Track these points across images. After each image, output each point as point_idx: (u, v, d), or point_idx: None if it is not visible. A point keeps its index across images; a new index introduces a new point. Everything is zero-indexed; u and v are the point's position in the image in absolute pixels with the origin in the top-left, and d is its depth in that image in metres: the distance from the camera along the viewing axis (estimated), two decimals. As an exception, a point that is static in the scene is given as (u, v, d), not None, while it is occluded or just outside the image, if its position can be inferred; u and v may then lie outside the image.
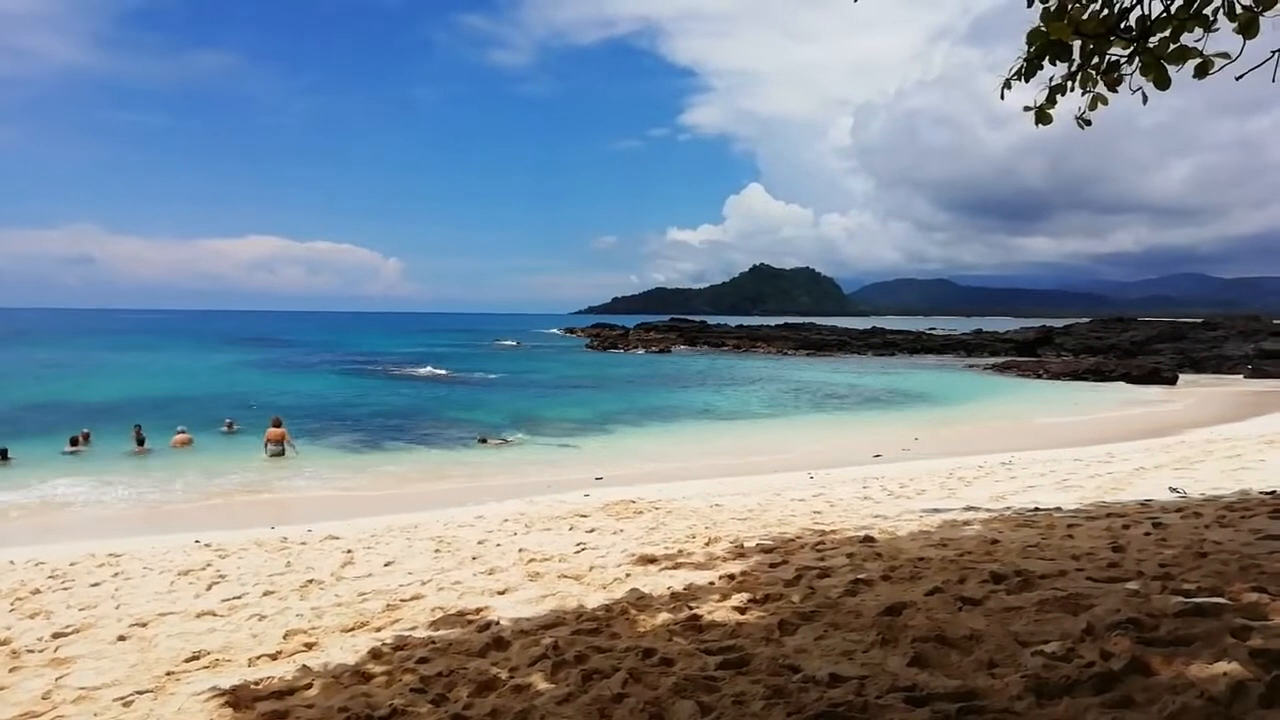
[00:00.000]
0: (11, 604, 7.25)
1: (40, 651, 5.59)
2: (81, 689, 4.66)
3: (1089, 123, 5.46)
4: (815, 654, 4.21)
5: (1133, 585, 4.86)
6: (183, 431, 20.82)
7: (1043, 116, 5.34)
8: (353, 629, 5.70)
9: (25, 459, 18.28)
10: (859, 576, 5.88)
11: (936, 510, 9.68)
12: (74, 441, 19.57)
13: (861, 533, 8.02)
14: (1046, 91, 5.38)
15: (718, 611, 5.26)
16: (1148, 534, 6.73)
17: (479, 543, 9.21)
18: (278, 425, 19.96)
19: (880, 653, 4.13)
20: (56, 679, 4.90)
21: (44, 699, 4.52)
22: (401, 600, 6.50)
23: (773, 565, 6.74)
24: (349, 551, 9.10)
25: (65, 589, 7.83)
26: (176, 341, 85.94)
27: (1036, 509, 9.03)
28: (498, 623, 5.51)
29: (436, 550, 8.89)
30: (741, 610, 5.26)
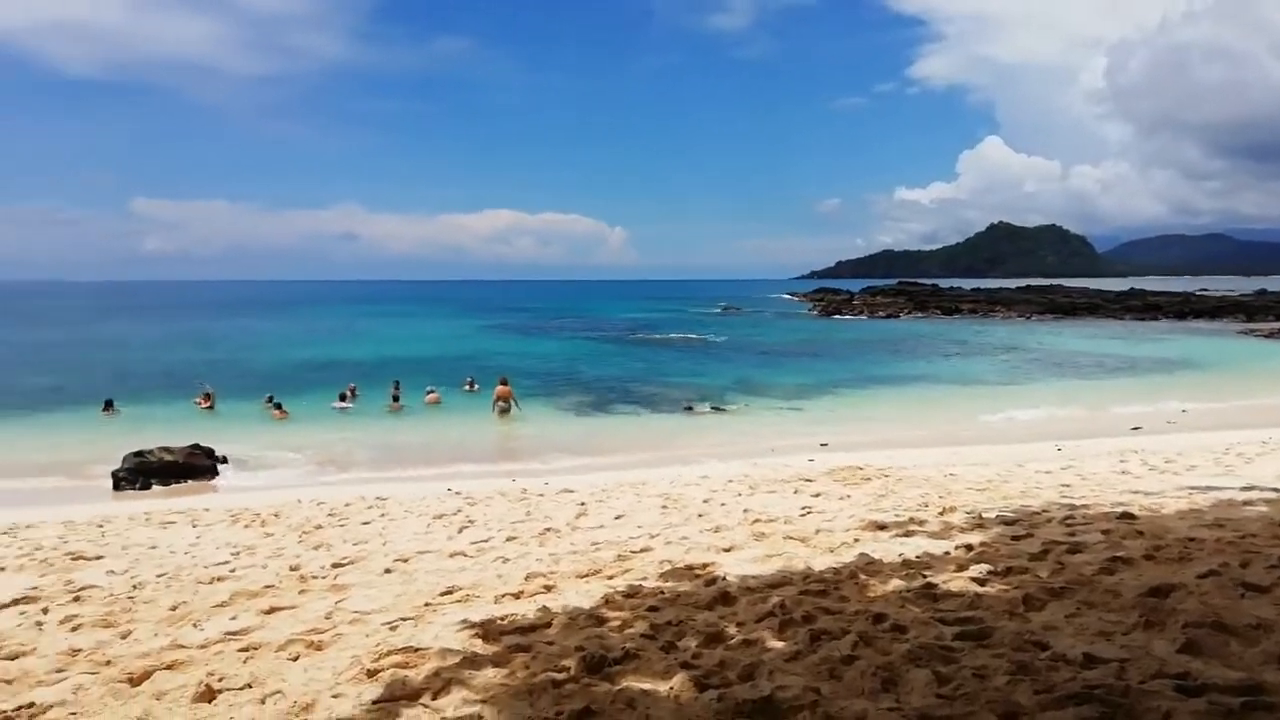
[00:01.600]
0: (300, 537, 8.25)
1: (323, 578, 6.32)
2: (356, 612, 5.23)
3: None
4: (1066, 632, 3.91)
5: None
6: (433, 390, 22.73)
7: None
8: (587, 575, 5.98)
9: (302, 413, 20.72)
10: (1117, 554, 5.39)
11: (1210, 488, 8.65)
12: (342, 397, 21.90)
13: (1119, 509, 7.33)
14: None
15: (954, 581, 5.02)
16: None
17: (704, 501, 9.35)
18: (504, 384, 21.20)
19: (1143, 636, 3.76)
20: (336, 602, 5.52)
21: (326, 618, 5.10)
22: (631, 551, 6.73)
23: (1015, 538, 6.33)
24: (582, 504, 9.55)
25: (341, 526, 8.81)
26: (426, 309, 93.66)
27: (1339, 491, 7.85)
28: (724, 578, 5.56)
29: (664, 507, 9.12)
30: (981, 582, 4.98)
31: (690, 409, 21.62)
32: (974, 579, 5.04)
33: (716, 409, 21.46)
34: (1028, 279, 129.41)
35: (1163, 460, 11.45)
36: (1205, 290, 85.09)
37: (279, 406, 20.42)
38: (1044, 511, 7.57)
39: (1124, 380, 28.12)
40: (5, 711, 3.70)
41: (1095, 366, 32.21)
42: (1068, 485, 9.52)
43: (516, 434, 18.08)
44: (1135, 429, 17.15)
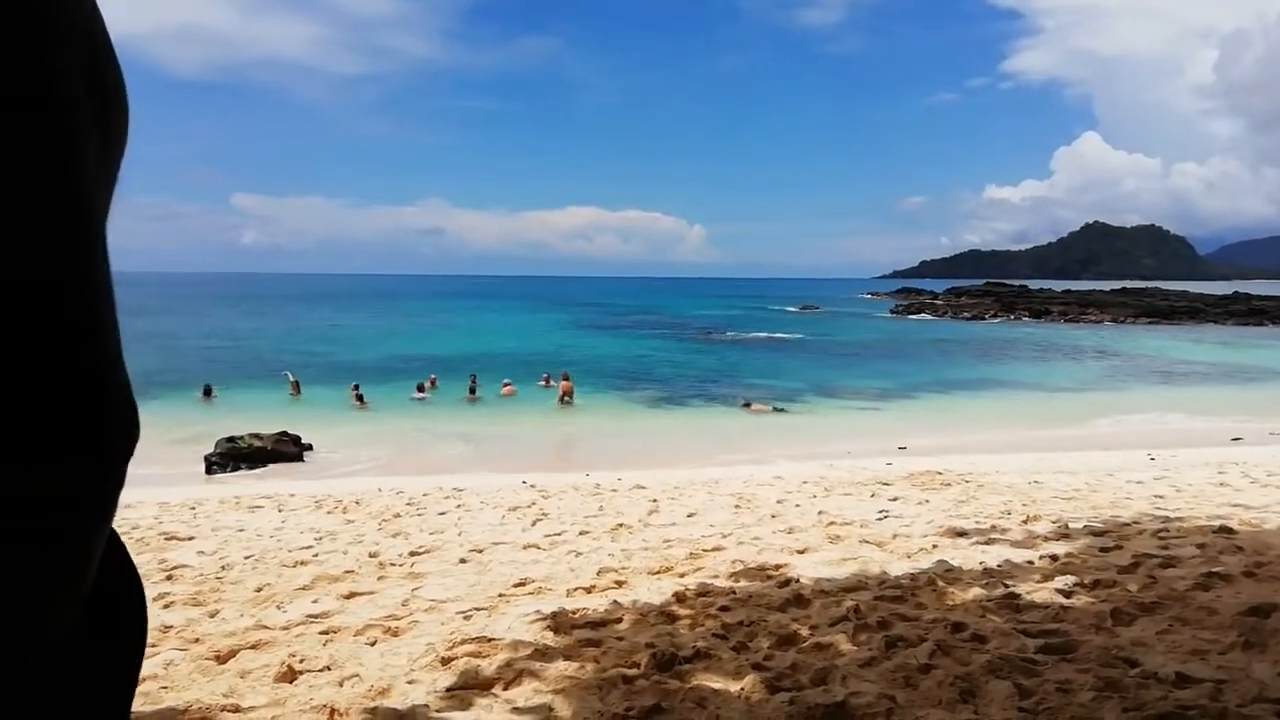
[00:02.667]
0: (379, 524, 8.47)
1: (400, 565, 6.47)
2: (432, 600, 5.33)
3: None
4: (1158, 649, 3.73)
5: None
6: (508, 384, 23.14)
7: None
8: (658, 572, 5.97)
9: (383, 402, 21.30)
10: (1214, 570, 5.12)
11: (1318, 504, 8.17)
12: (420, 388, 22.44)
13: (1216, 522, 6.98)
14: None
15: (1038, 592, 4.85)
16: None
17: (778, 502, 9.25)
18: (567, 379, 22.35)
19: (1242, 656, 3.56)
20: (413, 590, 5.63)
21: (403, 605, 5.22)
22: (703, 550, 6.70)
23: (1104, 550, 6.09)
24: (654, 501, 9.55)
25: (419, 515, 9.00)
26: (507, 304, 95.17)
27: None
28: (797, 580, 5.49)
29: (736, 506, 9.05)
30: (1066, 594, 4.80)
31: (748, 405, 21.34)
32: (1059, 590, 4.86)
33: (778, 409, 21.10)
34: (1124, 281, 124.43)
35: (1265, 473, 10.86)
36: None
37: (360, 396, 21.03)
38: (1135, 523, 7.26)
39: (1224, 388, 26.79)
40: (103, 681, 3.88)
41: (1193, 373, 30.77)
42: (1161, 496, 9.11)
43: (590, 429, 18.22)
44: (1236, 440, 16.33)
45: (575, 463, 14.54)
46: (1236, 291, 76.82)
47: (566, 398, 21.86)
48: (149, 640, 4.30)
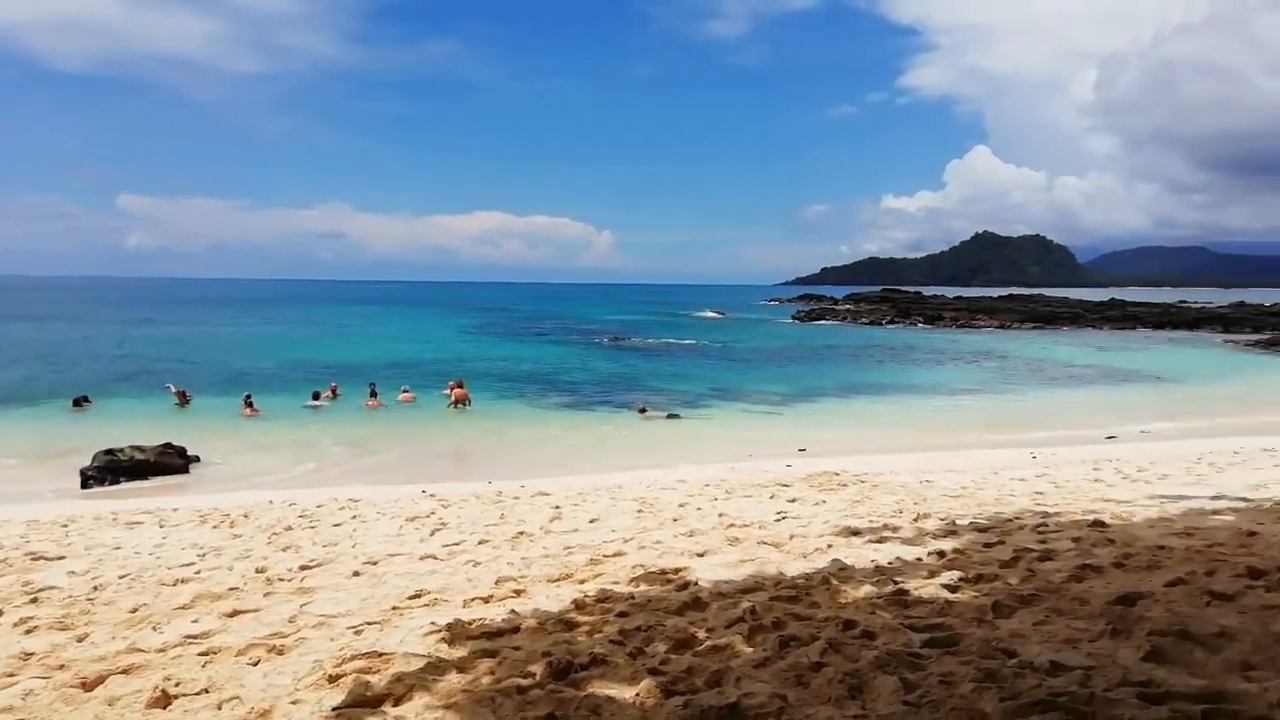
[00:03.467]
0: (269, 538, 8.14)
1: (289, 580, 6.23)
2: (321, 616, 5.14)
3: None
4: (1034, 639, 3.89)
5: None
6: (407, 390, 22.66)
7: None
8: (558, 580, 5.92)
9: (276, 412, 20.53)
10: (1087, 562, 5.39)
11: (1181, 497, 8.70)
12: (315, 396, 21.71)
13: (1090, 516, 7.36)
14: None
15: (925, 588, 5.00)
16: None
17: (680, 505, 9.31)
18: (460, 386, 22.47)
19: (1110, 644, 3.75)
20: (301, 606, 5.43)
21: (290, 622, 5.02)
22: (604, 556, 6.68)
23: (988, 545, 6.34)
24: (557, 507, 9.48)
25: (312, 527, 8.70)
26: (412, 310, 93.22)
27: (1308, 501, 7.91)
28: (696, 583, 5.52)
29: (639, 511, 9.07)
30: (952, 589, 4.97)
31: (644, 411, 21.33)
32: (945, 586, 5.03)
33: (672, 416, 21.14)
34: (1010, 288, 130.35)
35: (1135, 469, 11.53)
36: (1184, 301, 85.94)
37: (250, 404, 20.18)
38: (1017, 518, 7.59)
39: (1100, 389, 28.35)
40: (-50, 716, 3.61)
41: (1072, 375, 32.47)
42: (1041, 493, 9.56)
43: (490, 436, 17.97)
44: (1110, 437, 17.29)
45: (476, 471, 14.31)
46: (1113, 299, 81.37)
47: (459, 404, 21.94)
48: (7, 669, 4.03)
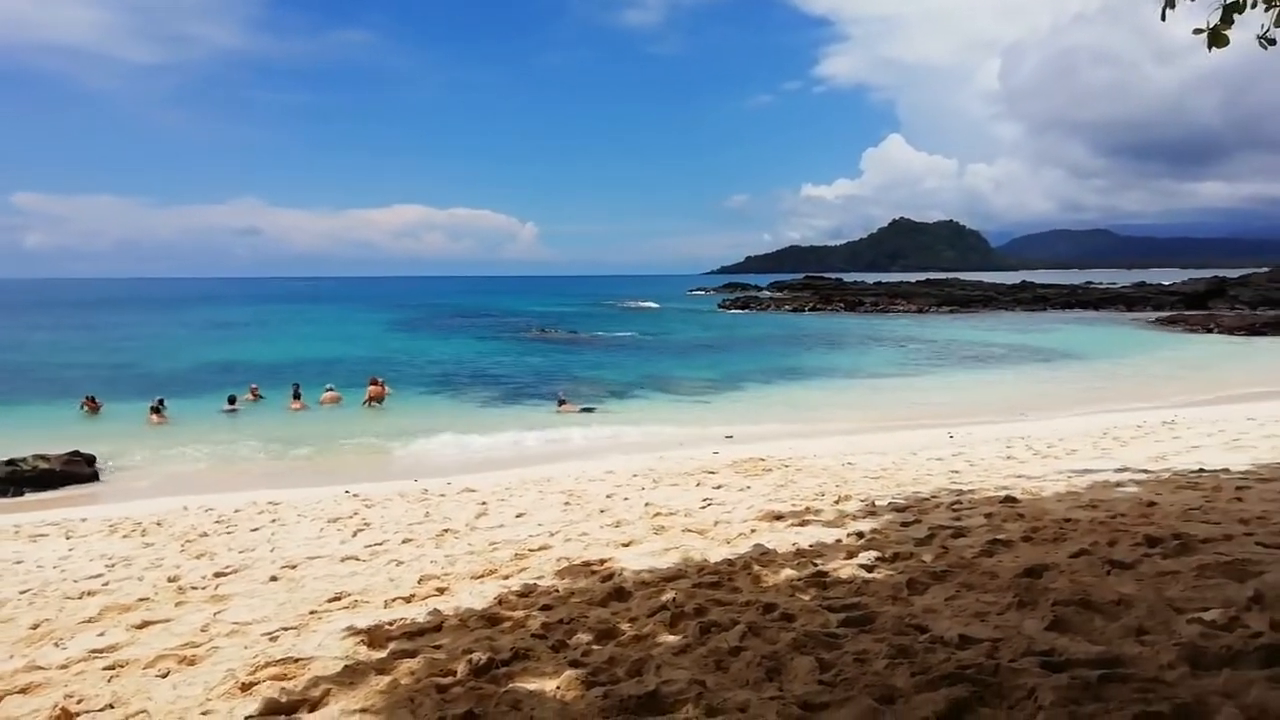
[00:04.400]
0: (182, 545, 7.88)
1: (203, 589, 6.04)
2: (235, 623, 5.00)
3: (1273, 42, 4.83)
4: (945, 614, 4.02)
5: (1312, 552, 4.39)
6: (331, 389, 22.13)
7: (1217, 39, 4.76)
8: (482, 576, 5.87)
9: (185, 415, 19.82)
10: (997, 537, 5.59)
11: (1087, 471, 9.08)
12: (231, 400, 20.98)
13: (1002, 493, 7.63)
14: (1221, 10, 4.79)
15: (844, 569, 5.11)
16: (1333, 498, 6.08)
17: (607, 496, 9.33)
18: (376, 383, 22.18)
19: (1016, 615, 3.89)
20: (215, 614, 5.27)
21: (202, 631, 4.87)
22: (530, 550, 6.65)
23: (905, 524, 6.51)
24: (484, 503, 9.40)
25: (229, 533, 8.45)
26: (333, 307, 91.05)
27: (1201, 470, 8.34)
28: (621, 574, 5.54)
29: (566, 503, 9.05)
30: (869, 568, 5.09)
31: (563, 404, 21.13)
32: (862, 565, 5.15)
33: (586, 409, 20.96)
34: (927, 273, 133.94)
35: (1045, 445, 11.98)
36: (1090, 283, 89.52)
37: (156, 411, 19.37)
38: (933, 497, 7.81)
39: (1013, 369, 29.35)
40: None
41: (986, 355, 33.56)
42: (957, 471, 9.86)
43: (416, 433, 17.68)
44: (1022, 415, 17.92)
45: (402, 470, 14.08)
46: (1024, 281, 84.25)
47: (375, 401, 21.68)
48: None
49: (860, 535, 6.17)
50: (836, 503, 7.89)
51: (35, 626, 5.20)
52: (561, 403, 21.08)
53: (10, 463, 13.55)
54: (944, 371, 29.04)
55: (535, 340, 45.41)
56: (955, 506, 7.13)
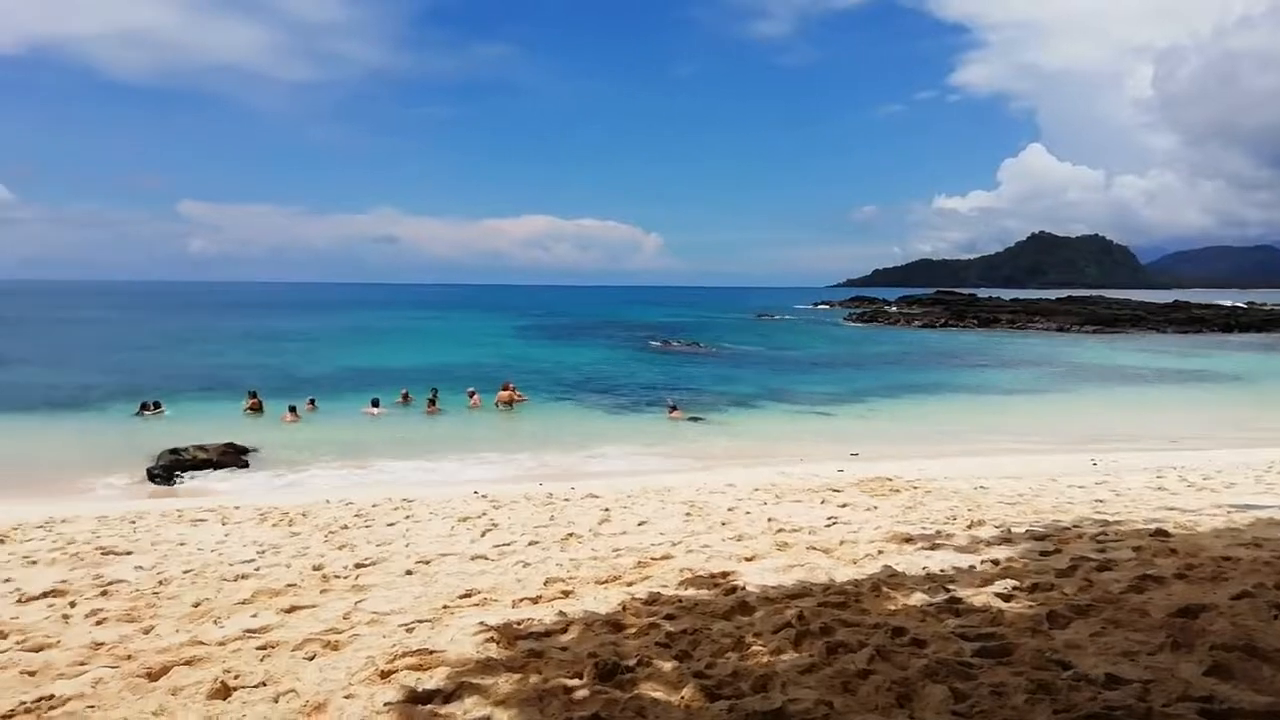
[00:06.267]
0: (325, 536, 8.32)
1: (344, 578, 6.36)
2: (374, 613, 5.25)
3: None
4: (1090, 651, 3.81)
5: None
6: (474, 392, 23.08)
7: None
8: (606, 582, 5.95)
9: (330, 415, 21.00)
10: (1147, 572, 5.25)
11: (1249, 506, 8.42)
12: (375, 403, 22.01)
13: (1153, 525, 7.16)
14: None
15: (978, 596, 4.92)
16: None
17: (729, 509, 9.29)
18: (507, 388, 23.31)
19: (1170, 657, 3.65)
20: (355, 603, 5.55)
21: (344, 618, 5.14)
22: (652, 559, 6.69)
23: (1044, 554, 6.21)
24: (606, 510, 9.53)
25: (367, 527, 8.87)
26: (464, 314, 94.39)
27: (1385, 512, 7.60)
28: (744, 588, 5.51)
29: (687, 514, 9.07)
30: (1005, 598, 4.88)
31: (674, 409, 21.31)
32: (998, 594, 4.94)
33: (695, 418, 21.04)
34: (1069, 290, 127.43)
35: (1201, 477, 11.18)
36: (1253, 303, 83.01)
37: (293, 410, 20.58)
38: (1075, 527, 7.42)
39: (1164, 394, 27.55)
40: (25, 703, 3.76)
41: (1135, 380, 31.60)
42: (1101, 501, 9.33)
43: (542, 437, 18.12)
44: (1174, 443, 16.78)
45: (527, 471, 14.46)
46: (1177, 300, 78.79)
47: (505, 405, 22.70)
48: (78, 658, 4.20)
49: (995, 562, 5.92)
50: (969, 527, 7.60)
51: (197, 605, 5.60)
52: (672, 409, 21.34)
53: (174, 452, 14.69)
54: (1086, 394, 27.55)
55: (656, 351, 45.71)
56: (1100, 538, 6.74)
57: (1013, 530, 7.30)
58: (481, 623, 4.84)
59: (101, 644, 4.68)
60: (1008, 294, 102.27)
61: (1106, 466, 13.14)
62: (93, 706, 3.74)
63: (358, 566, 6.76)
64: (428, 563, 6.85)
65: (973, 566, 5.87)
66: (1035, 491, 10.22)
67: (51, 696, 3.83)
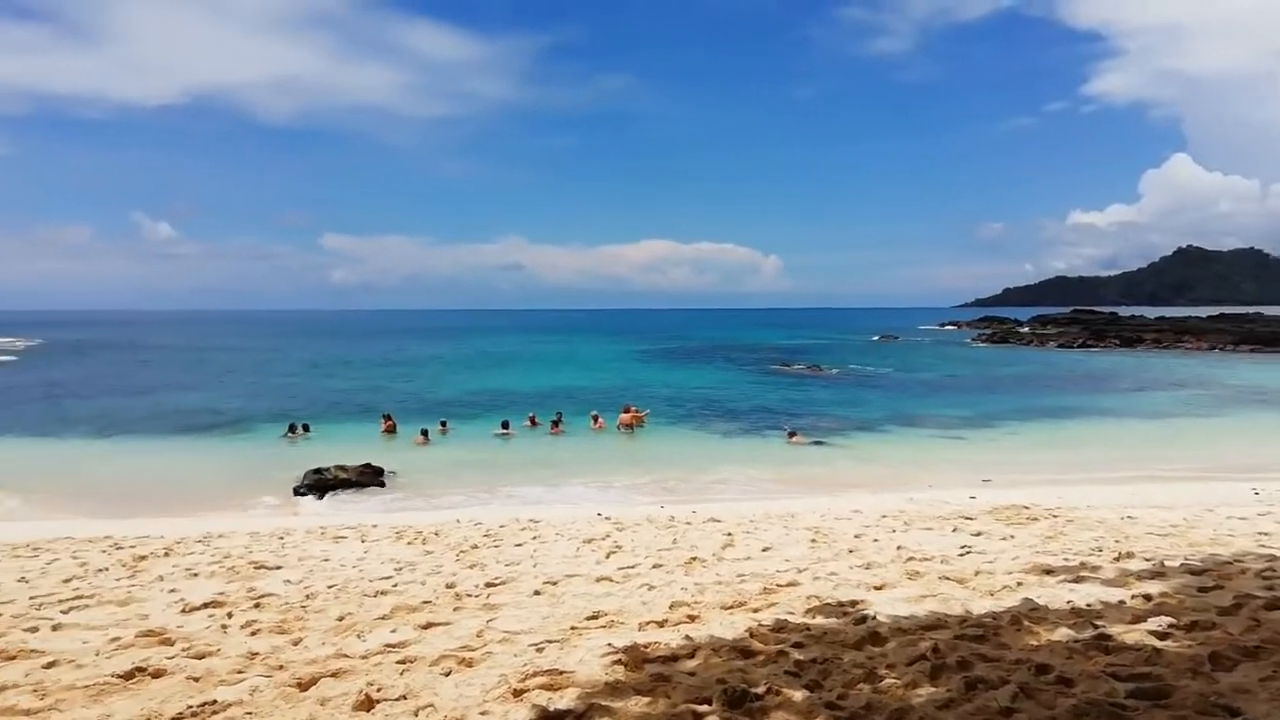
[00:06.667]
0: (457, 555, 8.60)
1: (476, 596, 6.56)
2: (506, 632, 5.39)
3: None
4: (1261, 697, 3.53)
5: None
6: (597, 416, 23.54)
7: None
8: (731, 607, 5.91)
9: (462, 437, 21.81)
10: (1324, 613, 4.82)
11: None
12: (505, 425, 22.72)
13: (1328, 562, 6.58)
14: None
15: (1130, 634, 4.64)
16: None
17: (855, 536, 9.07)
18: (629, 410, 23.70)
19: (1356, 707, 3.34)
20: (488, 621, 5.71)
21: (478, 636, 5.29)
22: (778, 585, 6.61)
23: (1202, 589, 5.79)
24: (729, 534, 9.47)
25: (495, 546, 9.11)
26: (586, 338, 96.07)
27: None
28: (874, 617, 5.37)
29: (813, 540, 8.91)
30: (1161, 636, 4.58)
31: (793, 434, 20.99)
32: (1153, 632, 4.64)
33: (817, 443, 20.61)
34: (1221, 307, 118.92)
35: (1384, 509, 10.18)
36: None
37: (424, 433, 21.39)
38: (1237, 561, 6.89)
39: (1337, 418, 25.25)
40: (192, 707, 4.04)
41: (1302, 402, 29.11)
42: (1266, 534, 8.62)
43: (663, 460, 18.19)
44: (1351, 473, 15.34)
45: (649, 494, 14.54)
46: (1348, 316, 72.25)
47: (627, 428, 22.98)
48: (236, 666, 4.47)
49: (1148, 597, 5.56)
50: (1116, 559, 7.17)
51: (341, 619, 5.89)
52: (792, 434, 21.02)
53: (318, 471, 15.54)
54: (1242, 418, 25.56)
55: (776, 374, 45.22)
56: (1267, 575, 6.24)
57: (1165, 563, 6.85)
58: (609, 644, 4.89)
59: (256, 654, 4.98)
60: (1152, 312, 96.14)
61: (1270, 496, 12.14)
62: (251, 713, 3.98)
63: (488, 585, 6.96)
64: (555, 583, 6.98)
65: (1122, 601, 5.54)
66: (1190, 522, 9.55)
67: (214, 702, 4.10)
